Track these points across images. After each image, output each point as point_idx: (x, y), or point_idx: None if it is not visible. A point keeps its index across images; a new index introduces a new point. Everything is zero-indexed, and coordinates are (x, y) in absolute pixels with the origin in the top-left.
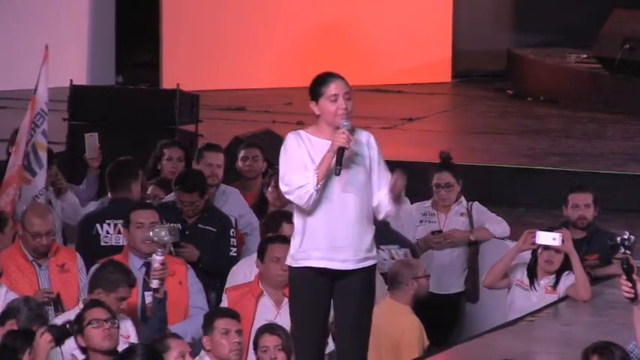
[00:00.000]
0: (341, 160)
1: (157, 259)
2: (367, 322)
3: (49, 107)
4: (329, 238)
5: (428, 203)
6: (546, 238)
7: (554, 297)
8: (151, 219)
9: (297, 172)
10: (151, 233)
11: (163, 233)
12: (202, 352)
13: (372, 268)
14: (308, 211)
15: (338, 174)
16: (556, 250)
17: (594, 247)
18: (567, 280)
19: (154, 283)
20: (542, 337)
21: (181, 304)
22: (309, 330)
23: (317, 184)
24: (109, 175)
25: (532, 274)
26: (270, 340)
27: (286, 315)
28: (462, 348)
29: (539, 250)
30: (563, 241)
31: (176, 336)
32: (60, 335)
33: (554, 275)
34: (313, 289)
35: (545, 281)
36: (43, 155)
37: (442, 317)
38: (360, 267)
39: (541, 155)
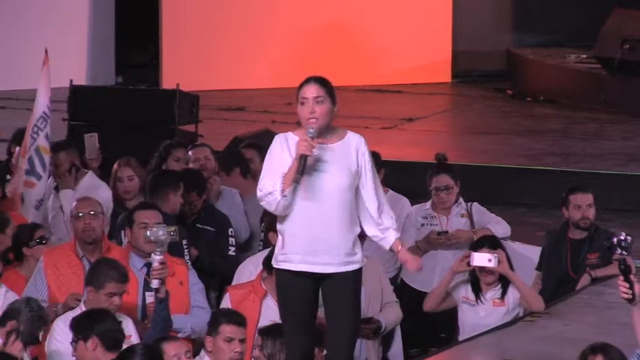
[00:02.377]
0: (303, 168)
1: (155, 258)
2: (352, 324)
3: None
4: (308, 241)
5: (428, 205)
6: (481, 259)
7: (502, 309)
8: (155, 219)
9: (273, 177)
10: (148, 232)
11: (161, 232)
12: (202, 352)
13: (356, 272)
14: (285, 215)
15: (298, 182)
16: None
17: (595, 247)
18: (515, 290)
19: (154, 283)
20: (542, 337)
21: (182, 305)
22: (293, 329)
23: (282, 191)
24: (148, 184)
25: (477, 289)
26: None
27: None
28: (462, 348)
29: (477, 268)
30: (499, 261)
31: (171, 338)
32: (29, 340)
33: (499, 287)
34: (294, 290)
35: (491, 294)
36: (47, 159)
37: (444, 318)
38: (342, 271)
39: (541, 155)
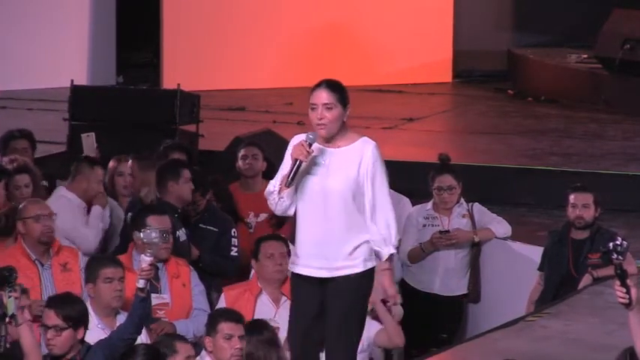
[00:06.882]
0: (295, 172)
1: (145, 259)
2: (351, 329)
3: (49, 107)
4: (307, 244)
5: (429, 206)
6: None
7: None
8: (164, 225)
9: (279, 177)
10: (141, 234)
11: (154, 234)
12: (203, 353)
13: (359, 275)
14: (297, 218)
15: (288, 186)
16: None
17: (596, 247)
18: (371, 326)
19: (140, 283)
20: (542, 337)
21: (185, 306)
22: (295, 332)
23: (279, 191)
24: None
25: None
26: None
27: (285, 313)
28: (462, 348)
29: None
30: None
31: (182, 339)
32: None
33: None
34: (300, 293)
35: None
36: None
37: (446, 318)
38: (339, 275)
39: (541, 155)
